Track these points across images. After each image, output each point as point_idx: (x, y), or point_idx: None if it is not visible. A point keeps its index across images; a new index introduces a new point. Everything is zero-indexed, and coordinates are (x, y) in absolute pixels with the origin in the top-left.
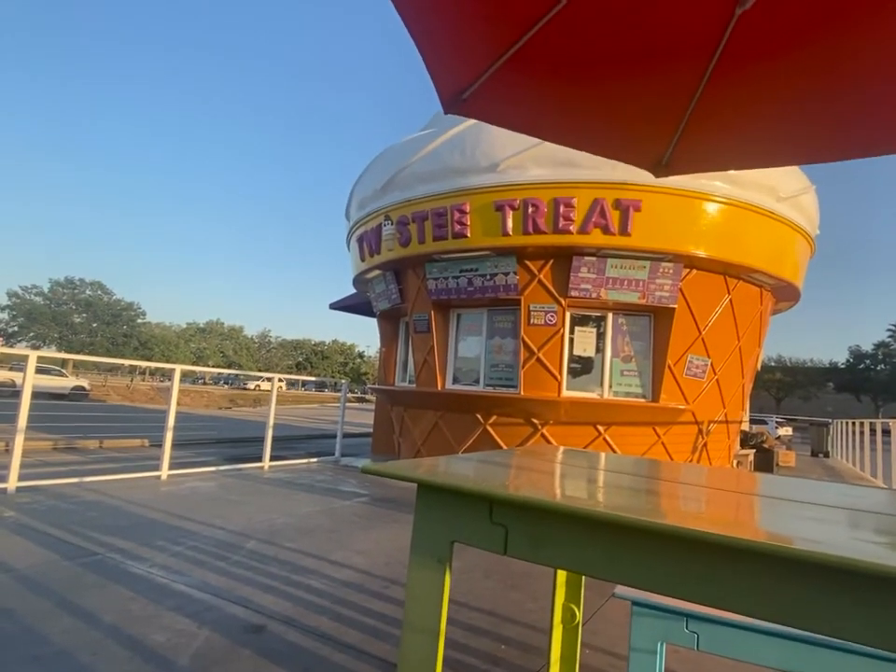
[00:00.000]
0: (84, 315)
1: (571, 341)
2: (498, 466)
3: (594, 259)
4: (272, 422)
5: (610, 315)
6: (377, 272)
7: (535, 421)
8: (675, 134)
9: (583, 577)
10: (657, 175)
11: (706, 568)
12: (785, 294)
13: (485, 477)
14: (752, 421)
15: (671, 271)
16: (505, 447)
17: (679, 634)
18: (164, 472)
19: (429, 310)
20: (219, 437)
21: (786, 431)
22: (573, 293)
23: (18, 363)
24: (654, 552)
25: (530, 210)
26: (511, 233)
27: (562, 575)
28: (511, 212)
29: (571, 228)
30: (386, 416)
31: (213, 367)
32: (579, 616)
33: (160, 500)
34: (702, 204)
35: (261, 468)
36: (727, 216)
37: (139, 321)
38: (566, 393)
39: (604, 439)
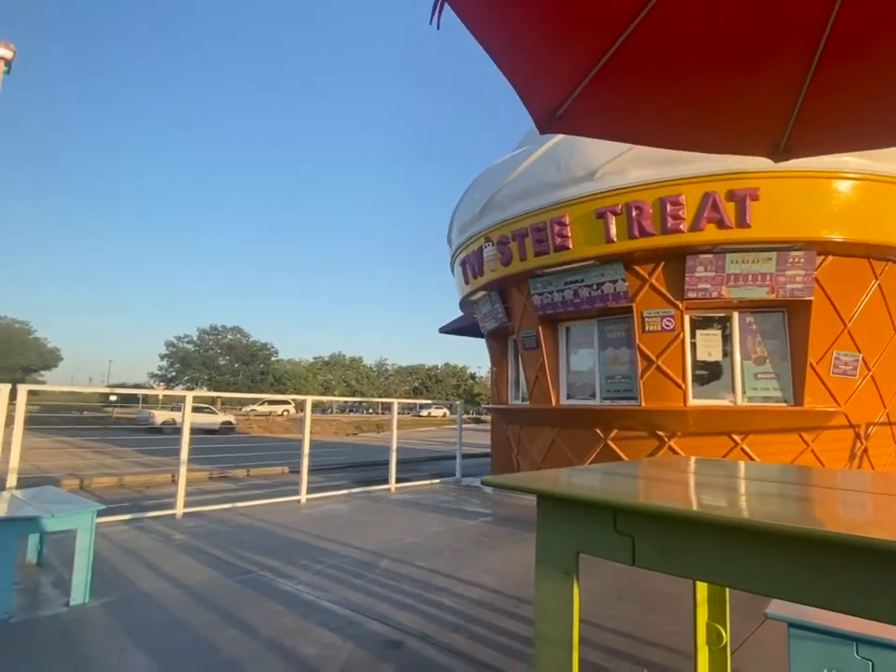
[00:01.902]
0: (227, 357)
1: (693, 345)
2: (621, 476)
3: (710, 256)
4: (395, 445)
5: (736, 315)
6: (482, 293)
7: (660, 433)
8: (790, 117)
9: (727, 594)
10: (776, 160)
11: (878, 582)
12: None
13: (607, 487)
14: None
15: (802, 260)
16: None
17: (848, 661)
18: (303, 496)
19: (537, 325)
20: (349, 462)
21: None
22: (690, 295)
23: (177, 403)
24: (811, 562)
25: (634, 213)
26: (615, 239)
27: (702, 592)
28: (614, 218)
29: (681, 226)
30: (503, 435)
31: (339, 396)
32: (726, 637)
33: (301, 522)
34: (832, 184)
35: (388, 489)
36: (864, 192)
37: (273, 359)
38: (692, 402)
39: (742, 449)
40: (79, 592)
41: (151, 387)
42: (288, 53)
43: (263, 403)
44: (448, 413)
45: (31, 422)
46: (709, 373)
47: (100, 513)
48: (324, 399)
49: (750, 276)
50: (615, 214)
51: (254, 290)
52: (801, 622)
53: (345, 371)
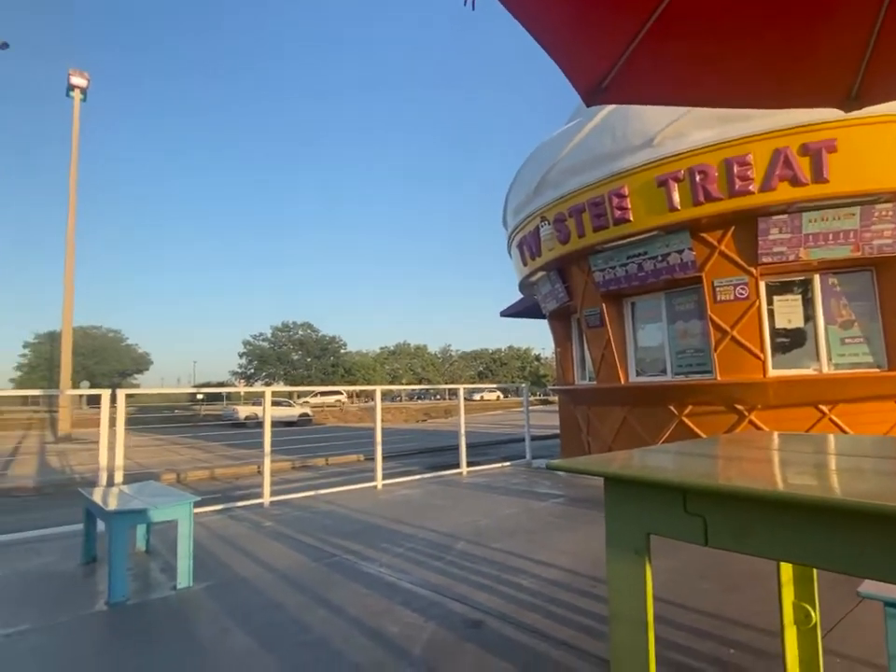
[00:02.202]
0: (300, 352)
1: (771, 312)
2: (692, 455)
3: (784, 216)
4: (463, 430)
5: (817, 277)
6: (541, 273)
7: (738, 407)
8: (861, 64)
9: (815, 572)
10: (847, 111)
11: None
12: None
13: (676, 467)
14: None
15: (890, 213)
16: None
17: None
18: (379, 482)
19: (600, 303)
20: (420, 448)
21: None
22: (765, 259)
23: (258, 399)
24: None
25: (698, 178)
26: (679, 207)
27: (787, 571)
28: (676, 184)
29: (751, 187)
30: (571, 416)
31: (406, 384)
32: (815, 616)
33: (378, 507)
34: None
35: (460, 473)
36: None
37: (342, 351)
38: (772, 372)
39: (830, 420)
40: (184, 576)
41: (233, 385)
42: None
43: (316, 395)
44: (501, 396)
45: (130, 422)
46: (790, 341)
47: (196, 504)
48: (392, 388)
49: (831, 235)
50: (677, 180)
51: (321, 285)
52: None
53: (411, 360)
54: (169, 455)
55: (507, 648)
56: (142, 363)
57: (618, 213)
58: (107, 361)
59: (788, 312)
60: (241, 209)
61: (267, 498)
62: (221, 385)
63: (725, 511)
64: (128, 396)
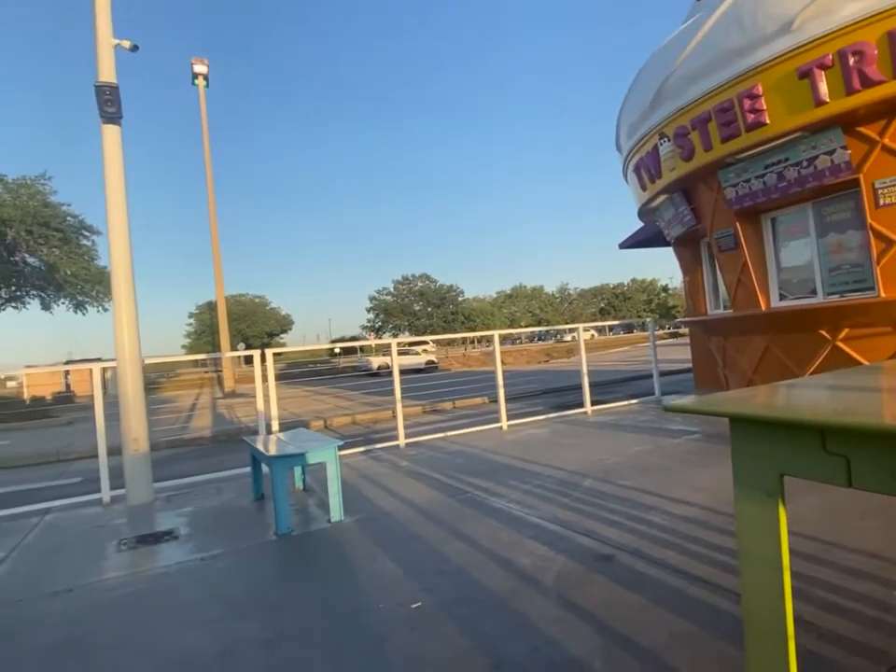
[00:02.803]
0: (420, 303)
1: None
2: (832, 389)
3: None
4: (584, 369)
5: None
6: (663, 197)
7: None
8: None
9: None
10: None
11: None
12: None
13: (813, 403)
14: None
15: None
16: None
17: None
18: (504, 423)
19: (733, 223)
20: (543, 388)
21: None
22: None
23: (388, 349)
24: None
25: (852, 61)
26: (827, 100)
27: None
28: (824, 73)
29: None
30: (705, 349)
31: (525, 327)
32: None
33: (505, 447)
34: None
35: (585, 412)
36: None
37: (460, 299)
38: None
39: None
40: (336, 511)
41: (364, 338)
42: None
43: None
44: (596, 334)
45: (280, 377)
46: None
47: (340, 447)
48: (507, 331)
49: None
50: (824, 67)
51: (435, 235)
52: None
53: (529, 302)
54: (315, 405)
55: (638, 582)
56: (285, 324)
57: (751, 117)
58: (256, 324)
59: None
60: (357, 174)
61: (402, 440)
62: (354, 338)
63: (874, 451)
64: (275, 354)
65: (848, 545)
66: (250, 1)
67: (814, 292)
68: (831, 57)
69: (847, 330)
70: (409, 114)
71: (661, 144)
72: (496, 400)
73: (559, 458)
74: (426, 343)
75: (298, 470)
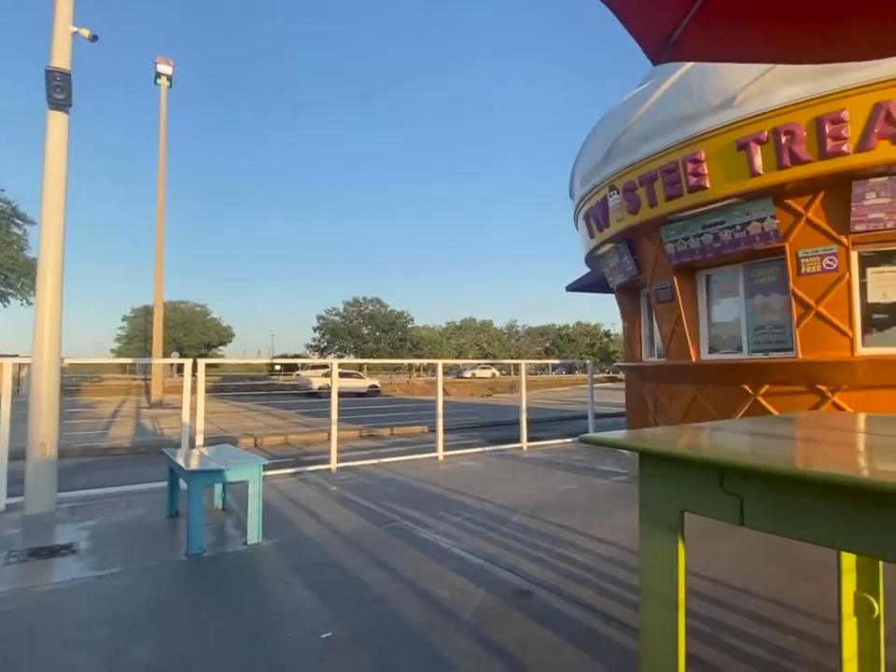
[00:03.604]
0: (369, 326)
1: (864, 286)
2: (733, 433)
3: (884, 179)
4: (524, 405)
5: None
6: (609, 245)
7: (821, 387)
8: None
9: (880, 563)
10: None
11: None
12: None
13: (715, 444)
14: None
15: None
16: None
17: None
18: (441, 453)
19: (671, 276)
20: (482, 422)
21: None
22: (858, 227)
23: (328, 371)
24: None
25: (784, 139)
26: (761, 172)
27: (848, 559)
28: (759, 147)
29: (845, 148)
30: (638, 394)
31: (472, 359)
32: (878, 609)
33: (439, 477)
34: None
35: (521, 448)
36: None
37: (409, 326)
38: (861, 350)
39: None
40: (254, 533)
41: (308, 357)
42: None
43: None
44: (497, 373)
45: (213, 390)
46: (886, 318)
47: (269, 466)
48: (452, 361)
49: None
50: (761, 142)
51: (389, 262)
52: None
53: (477, 335)
54: (247, 421)
55: (554, 619)
56: (225, 335)
57: (693, 179)
58: (194, 333)
59: (883, 285)
60: (317, 189)
61: (334, 464)
62: (297, 356)
63: (764, 492)
64: (208, 365)
65: (755, 591)
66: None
67: (740, 349)
68: (766, 133)
69: (767, 387)
70: (376, 137)
71: (610, 196)
72: (435, 430)
73: (491, 492)
74: (359, 369)
75: (218, 488)
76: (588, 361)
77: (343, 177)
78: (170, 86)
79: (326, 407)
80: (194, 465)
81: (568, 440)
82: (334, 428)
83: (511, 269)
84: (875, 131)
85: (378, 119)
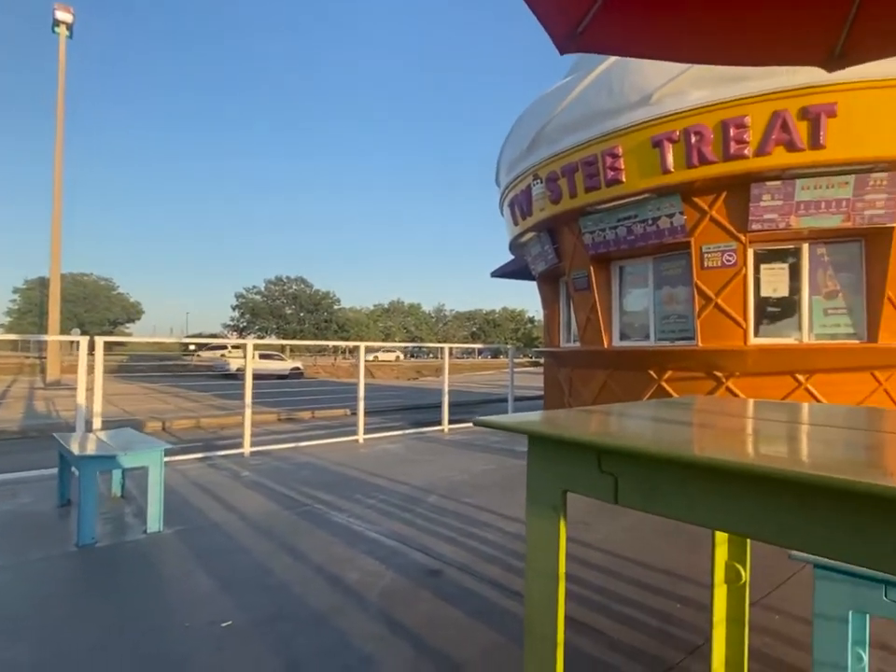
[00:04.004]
0: (293, 306)
1: (757, 281)
2: (615, 416)
3: (778, 183)
4: (446, 388)
5: (806, 247)
6: (531, 234)
7: (717, 374)
8: (847, 18)
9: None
10: (830, 70)
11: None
12: None
13: (595, 427)
14: None
15: (885, 182)
16: None
17: (876, 603)
18: (360, 437)
19: (588, 266)
20: (406, 404)
21: None
22: (755, 226)
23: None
24: (794, 506)
25: (693, 140)
26: (672, 170)
27: (721, 533)
28: (671, 145)
29: (746, 151)
30: (555, 378)
31: (399, 342)
32: (745, 576)
33: (357, 460)
34: None
35: (442, 430)
36: None
37: (336, 308)
38: (753, 340)
39: (806, 389)
40: (154, 521)
41: (225, 336)
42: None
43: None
44: (402, 356)
45: (120, 371)
46: (774, 310)
47: (176, 451)
48: (375, 344)
49: (823, 203)
50: (672, 141)
51: (315, 241)
52: (826, 563)
53: (405, 318)
54: (156, 404)
55: (461, 596)
56: (133, 312)
57: (610, 173)
58: (98, 310)
59: (774, 281)
60: (238, 163)
61: (247, 448)
62: (213, 336)
63: (636, 472)
64: (114, 344)
65: (647, 562)
66: None
67: (648, 337)
68: (678, 133)
69: (670, 372)
70: (300, 114)
71: (534, 185)
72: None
73: (408, 474)
74: (281, 351)
75: (117, 475)
76: (510, 346)
77: (267, 154)
78: (70, 36)
79: (243, 389)
80: (86, 450)
81: None
82: (248, 411)
83: (441, 253)
84: (773, 137)
85: (307, 93)
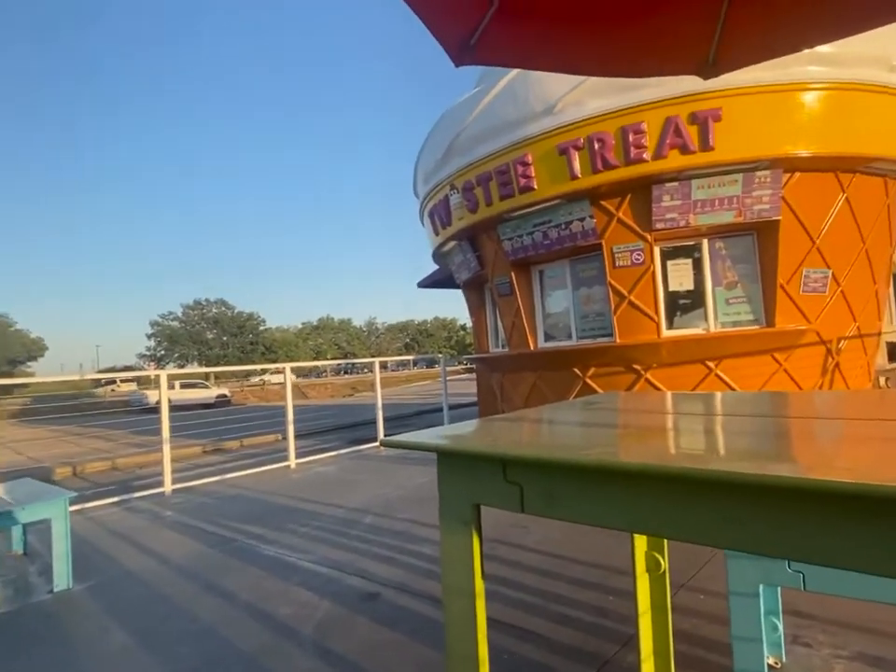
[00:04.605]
0: (214, 330)
1: (665, 277)
2: (522, 423)
3: (676, 184)
4: (380, 403)
5: (706, 242)
6: (452, 243)
7: (636, 367)
8: (716, 28)
9: None
10: (705, 78)
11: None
12: None
13: (498, 439)
14: None
15: (769, 179)
16: None
17: (781, 574)
18: (292, 461)
19: (510, 271)
20: (340, 423)
21: None
22: (658, 226)
23: (171, 383)
24: (672, 499)
25: (597, 146)
26: (579, 175)
27: None
28: (577, 152)
29: (645, 155)
30: (487, 384)
31: (331, 359)
32: (664, 564)
33: (289, 487)
34: (796, 96)
35: (377, 447)
36: (830, 102)
37: (261, 328)
38: (666, 333)
39: (716, 375)
40: (62, 578)
41: (142, 368)
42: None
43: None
44: (294, 377)
45: (22, 415)
46: (683, 303)
47: (88, 497)
48: (304, 364)
49: (717, 201)
50: (577, 148)
51: (233, 262)
52: None
53: (335, 334)
54: (67, 447)
55: (399, 617)
56: (35, 349)
57: (523, 181)
58: None
59: (680, 275)
60: (138, 180)
61: (168, 487)
62: (128, 368)
63: (538, 479)
64: (4, 386)
65: (582, 558)
66: None
67: (570, 336)
68: (582, 140)
69: (593, 369)
70: (210, 126)
71: (451, 194)
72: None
73: (343, 496)
74: (205, 378)
75: (17, 531)
76: (441, 355)
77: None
78: None
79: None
80: None
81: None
82: (166, 447)
83: (370, 266)
84: (668, 141)
85: (207, 105)
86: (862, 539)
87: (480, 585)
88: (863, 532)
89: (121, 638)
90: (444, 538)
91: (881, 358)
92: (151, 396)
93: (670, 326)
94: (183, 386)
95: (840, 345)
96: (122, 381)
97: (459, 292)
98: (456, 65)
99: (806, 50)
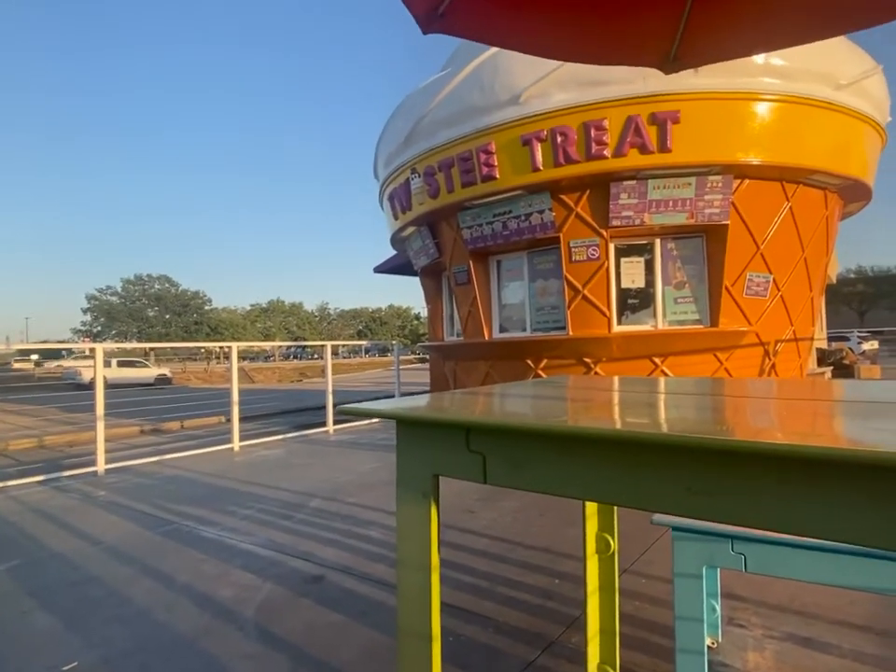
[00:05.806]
0: (156, 308)
1: (618, 273)
2: (482, 395)
3: (633, 182)
4: (330, 387)
5: (658, 242)
6: (412, 228)
7: (587, 360)
8: (679, 24)
9: (615, 507)
10: (666, 72)
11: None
12: (854, 194)
13: (462, 407)
14: (832, 338)
15: (720, 184)
16: None
17: (724, 556)
18: (236, 444)
19: (468, 260)
20: (287, 407)
21: (871, 346)
22: (615, 223)
23: (107, 359)
24: (634, 466)
25: (559, 139)
26: (541, 168)
27: (590, 506)
28: (540, 144)
29: (605, 152)
30: (441, 372)
31: (280, 343)
32: (613, 545)
33: (232, 470)
34: (749, 106)
35: (327, 432)
36: (779, 114)
37: (207, 308)
38: (616, 328)
39: (662, 371)
40: None
41: (75, 342)
42: None
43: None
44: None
45: None
46: (633, 300)
47: (12, 476)
48: (252, 344)
49: (671, 202)
50: (541, 140)
51: (180, 237)
52: (682, 525)
53: (286, 318)
54: None
55: (344, 599)
56: None
57: (485, 169)
58: None
59: (632, 273)
60: (83, 141)
61: (101, 466)
62: (60, 343)
63: (502, 447)
64: None
65: (530, 542)
66: None
67: (525, 328)
68: (545, 132)
69: (546, 361)
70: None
71: (412, 178)
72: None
73: (289, 479)
74: (145, 356)
75: None
76: (395, 343)
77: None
78: None
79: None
80: None
81: (376, 420)
82: (100, 424)
83: (321, 249)
84: (628, 140)
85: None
86: (806, 500)
87: (436, 559)
88: (804, 493)
89: (45, 621)
90: (401, 509)
91: (812, 363)
92: (86, 373)
93: (620, 321)
94: (121, 364)
95: (777, 348)
96: (52, 356)
97: (415, 280)
98: (424, 32)
99: (760, 62)
